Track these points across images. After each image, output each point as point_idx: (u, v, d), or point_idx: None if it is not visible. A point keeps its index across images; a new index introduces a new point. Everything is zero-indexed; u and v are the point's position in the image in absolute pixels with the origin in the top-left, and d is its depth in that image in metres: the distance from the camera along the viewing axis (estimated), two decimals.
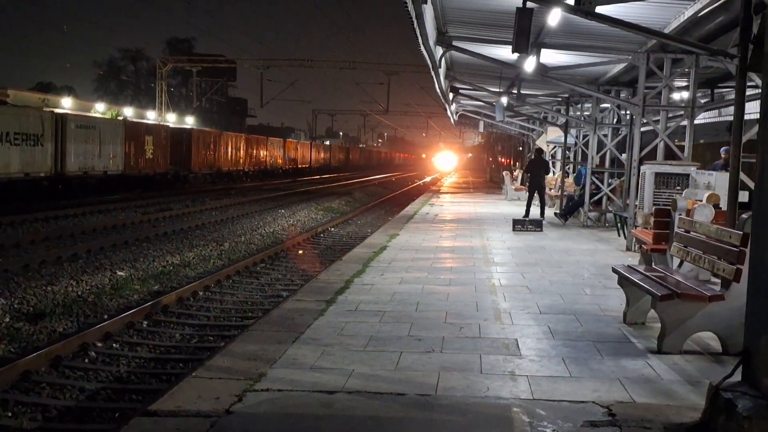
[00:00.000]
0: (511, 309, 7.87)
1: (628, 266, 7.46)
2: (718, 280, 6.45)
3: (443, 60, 15.30)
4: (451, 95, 22.49)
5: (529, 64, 13.25)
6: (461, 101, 27.34)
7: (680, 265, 8.15)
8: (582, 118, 20.03)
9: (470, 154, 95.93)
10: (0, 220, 18.75)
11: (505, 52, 13.33)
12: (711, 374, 5.36)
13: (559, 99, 21.85)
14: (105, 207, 24.12)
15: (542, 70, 13.65)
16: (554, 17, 10.19)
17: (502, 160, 57.34)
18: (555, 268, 10.93)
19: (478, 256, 12.11)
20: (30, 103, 37.27)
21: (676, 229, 7.57)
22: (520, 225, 16.18)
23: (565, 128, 21.51)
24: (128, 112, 50.28)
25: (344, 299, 8.26)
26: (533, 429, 4.38)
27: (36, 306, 10.13)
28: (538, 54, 13.10)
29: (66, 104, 42.32)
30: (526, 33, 8.44)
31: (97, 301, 10.78)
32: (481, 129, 32.61)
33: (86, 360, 8.03)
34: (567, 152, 22.99)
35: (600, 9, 9.04)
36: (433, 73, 14.74)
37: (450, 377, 5.35)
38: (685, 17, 10.53)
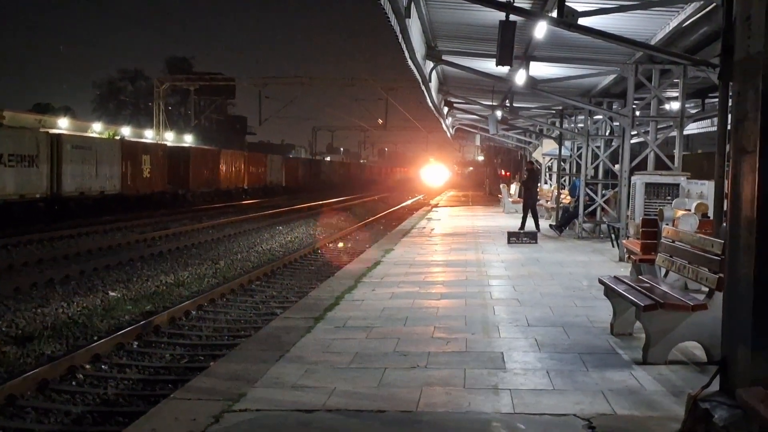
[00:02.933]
0: (500, 322, 7.84)
1: (615, 277, 7.43)
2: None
3: (434, 74, 15.34)
4: (445, 109, 22.53)
5: (520, 77, 13.28)
6: (457, 115, 27.43)
7: (666, 274, 8.13)
8: (576, 131, 20.05)
9: (471, 168, 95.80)
10: None
11: (495, 66, 13.37)
12: (695, 384, 5.29)
13: (553, 111, 21.90)
14: (101, 228, 24.11)
15: (532, 83, 13.69)
16: (540, 30, 10.22)
17: (503, 172, 57.23)
18: (547, 281, 10.91)
19: (471, 270, 12.09)
20: (26, 124, 37.39)
21: (662, 239, 7.55)
22: (515, 238, 16.17)
23: (560, 140, 21.54)
24: (126, 131, 50.39)
25: (333, 316, 8.23)
26: None
27: (25, 329, 10.08)
28: (527, 67, 13.14)
29: (63, 125, 42.42)
30: (509, 46, 8.48)
31: (88, 323, 10.68)
32: (478, 143, 32.73)
33: (74, 383, 7.95)
34: (562, 164, 23.01)
35: (584, 21, 9.06)
36: (423, 88, 14.80)
37: (432, 393, 5.32)
38: (670, 28, 10.58)
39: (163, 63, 77.60)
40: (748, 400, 3.61)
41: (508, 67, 12.73)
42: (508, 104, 19.40)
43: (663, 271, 8.46)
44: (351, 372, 5.89)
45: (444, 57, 13.12)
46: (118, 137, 41.26)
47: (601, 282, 7.43)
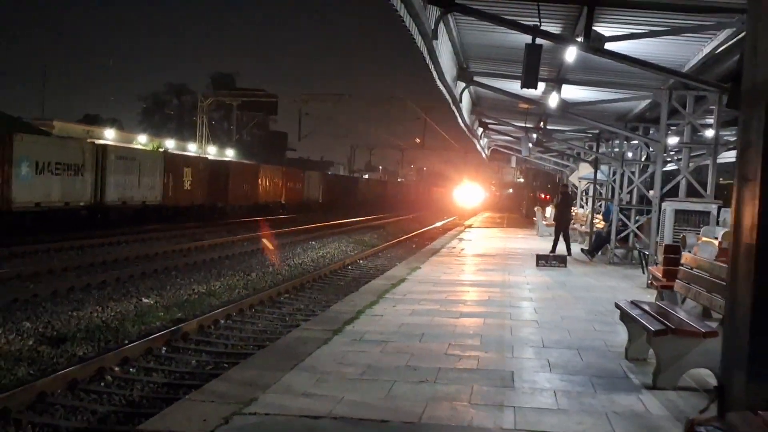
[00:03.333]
0: (516, 343, 7.89)
1: (631, 302, 7.46)
2: None
3: (467, 95, 15.44)
4: (479, 130, 22.59)
5: (552, 100, 13.34)
6: (492, 136, 27.46)
7: (683, 301, 8.11)
8: (612, 155, 19.98)
9: (510, 190, 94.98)
10: (37, 247, 19.34)
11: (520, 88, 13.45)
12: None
13: (590, 135, 21.83)
14: (140, 237, 24.64)
15: (564, 106, 13.73)
16: (570, 54, 10.30)
17: (543, 195, 56.63)
18: (571, 304, 10.90)
19: (494, 291, 12.13)
20: (74, 134, 38.45)
21: (681, 266, 7.56)
22: (544, 261, 16.14)
23: (595, 165, 21.44)
24: (170, 144, 51.45)
25: (351, 329, 8.36)
26: None
27: (59, 330, 10.40)
28: (559, 90, 13.19)
29: (109, 136, 43.50)
30: (534, 69, 8.59)
31: (120, 327, 10.97)
32: (513, 164, 32.74)
33: (102, 384, 8.19)
34: (598, 188, 22.89)
35: (613, 46, 9.13)
36: (454, 108, 14.91)
37: (437, 407, 5.42)
38: (703, 54, 10.58)
39: (208, 78, 79.17)
40: (734, 424, 3.65)
41: (541, 90, 12.84)
42: (542, 126, 19.43)
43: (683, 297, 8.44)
44: (361, 383, 6.02)
45: (475, 78, 13.23)
46: (161, 149, 42.16)
47: (617, 306, 7.46)
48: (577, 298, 11.55)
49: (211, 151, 54.46)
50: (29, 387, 7.44)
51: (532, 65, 8.54)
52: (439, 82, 11.60)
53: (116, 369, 8.70)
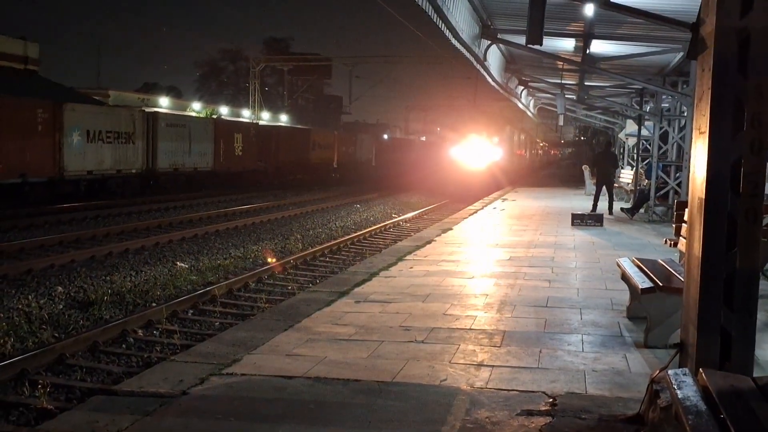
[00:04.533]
0: (519, 301, 7.87)
1: (633, 260, 7.33)
2: None
3: (498, 53, 15.14)
4: (519, 88, 22.17)
5: (579, 55, 13.02)
6: (536, 95, 26.94)
7: (680, 259, 7.92)
8: (648, 110, 19.38)
9: (571, 149, 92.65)
10: (86, 214, 19.99)
11: (554, 43, 13.13)
12: None
13: (633, 91, 21.19)
14: (188, 203, 25.17)
15: (590, 60, 13.36)
16: (589, 8, 10.03)
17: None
18: (591, 263, 10.77)
19: (518, 250, 12.04)
20: (130, 103, 39.25)
21: (685, 223, 7.36)
22: (579, 220, 15.90)
23: (639, 121, 20.87)
24: (224, 110, 52.11)
25: (359, 291, 8.43)
26: (467, 414, 4.46)
27: (90, 295, 10.75)
28: (588, 44, 12.85)
29: (164, 104, 44.27)
30: (539, 24, 8.35)
31: (150, 291, 11.27)
32: (561, 123, 32.09)
33: (123, 346, 8.43)
34: (645, 144, 22.30)
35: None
36: (479, 67, 14.64)
37: (415, 366, 5.47)
38: None
39: (262, 43, 79.40)
40: (677, 381, 3.61)
41: (572, 45, 12.54)
42: (577, 83, 18.96)
43: None
44: (348, 343, 6.10)
45: (500, 36, 12.96)
46: (215, 116, 42.73)
47: (618, 265, 7.35)
48: (600, 257, 11.39)
49: (265, 117, 54.92)
50: (49, 349, 7.73)
51: (535, 20, 8.30)
52: (454, 41, 11.35)
53: (140, 332, 8.95)
